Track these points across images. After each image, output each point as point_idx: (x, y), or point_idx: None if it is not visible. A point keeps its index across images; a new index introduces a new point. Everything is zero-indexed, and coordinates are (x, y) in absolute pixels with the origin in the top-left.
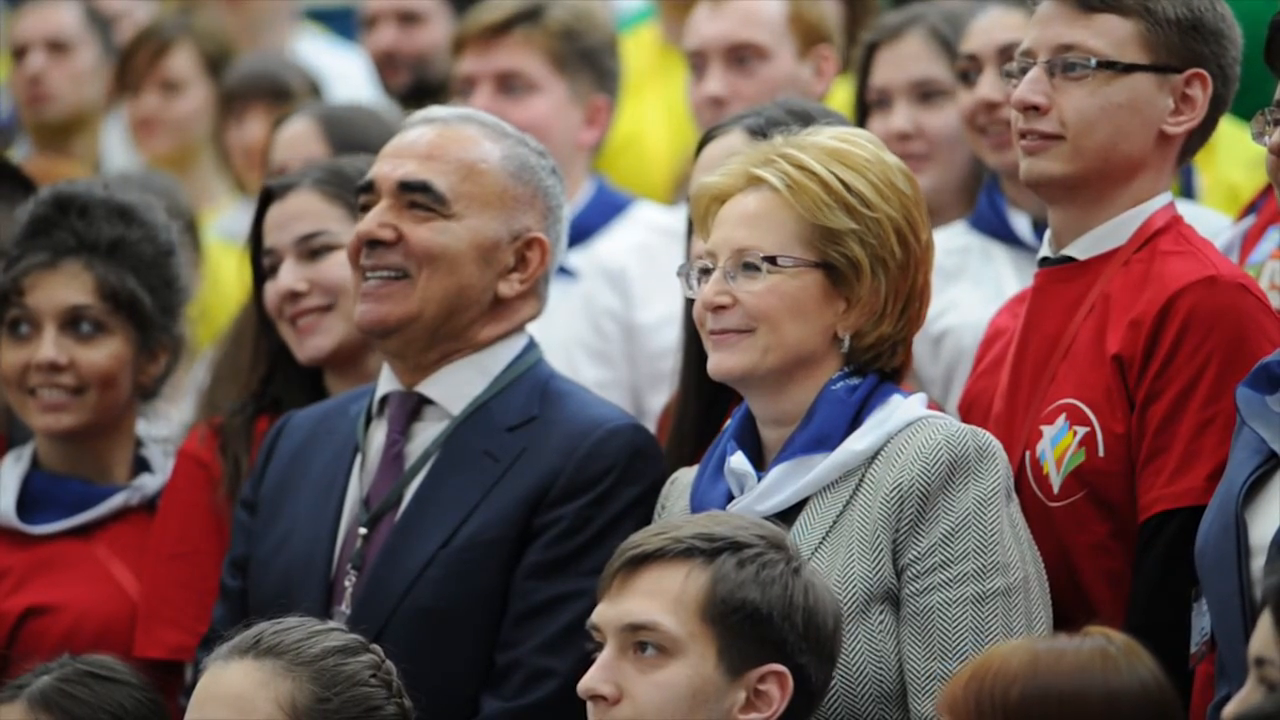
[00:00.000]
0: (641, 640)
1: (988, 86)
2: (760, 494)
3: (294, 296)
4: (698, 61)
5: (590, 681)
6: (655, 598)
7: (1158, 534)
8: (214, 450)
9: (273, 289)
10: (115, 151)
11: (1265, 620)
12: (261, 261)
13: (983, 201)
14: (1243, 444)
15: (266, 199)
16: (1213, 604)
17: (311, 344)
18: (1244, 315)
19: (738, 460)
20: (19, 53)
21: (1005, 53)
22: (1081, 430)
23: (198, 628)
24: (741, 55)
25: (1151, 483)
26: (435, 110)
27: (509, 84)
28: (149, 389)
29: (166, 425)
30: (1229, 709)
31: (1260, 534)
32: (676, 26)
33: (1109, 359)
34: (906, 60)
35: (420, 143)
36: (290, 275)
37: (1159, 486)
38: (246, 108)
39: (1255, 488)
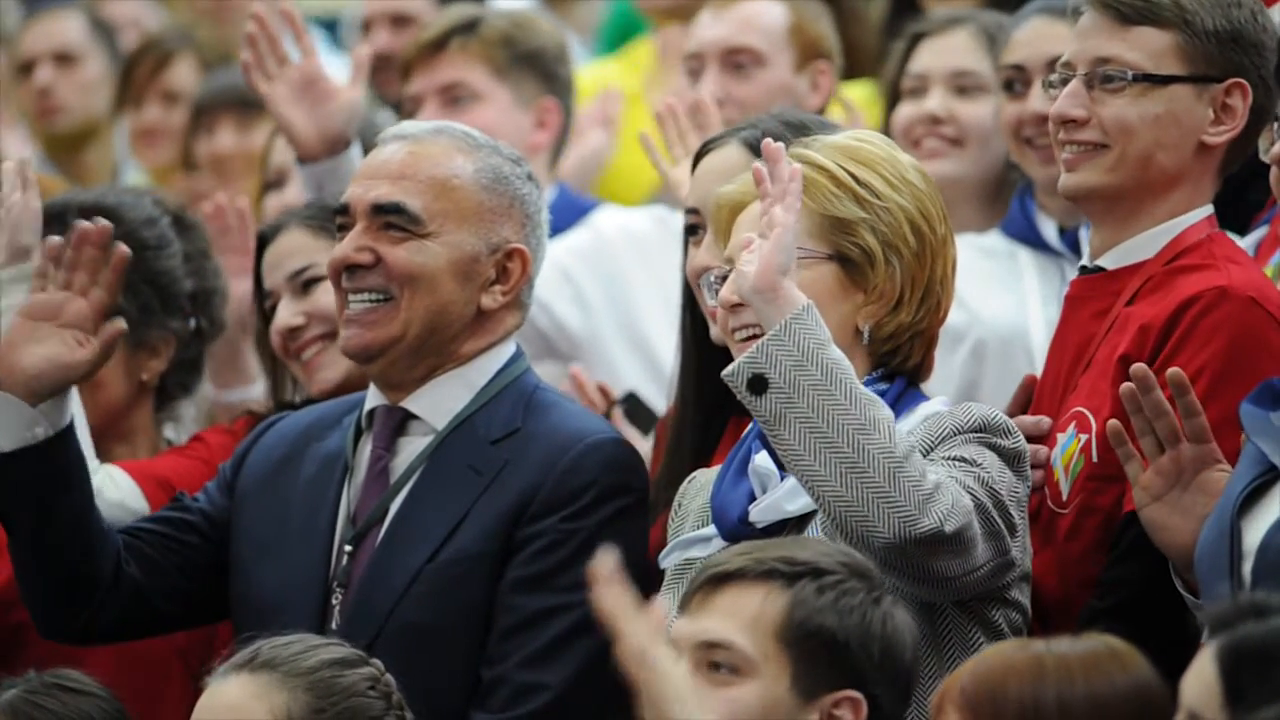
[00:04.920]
0: (716, 659)
1: (1039, 99)
2: (788, 493)
3: (294, 331)
4: (695, 65)
5: None
6: (732, 617)
7: (1127, 530)
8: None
9: (274, 329)
10: (129, 161)
11: (1209, 674)
12: (264, 306)
13: (1014, 207)
14: (1245, 456)
15: (261, 244)
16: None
17: (320, 378)
18: (1248, 328)
19: (762, 458)
20: (26, 67)
21: (1054, 65)
22: (1085, 437)
23: None
24: (738, 60)
25: None
26: (407, 125)
27: (453, 95)
28: (159, 386)
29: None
30: None
31: (1252, 540)
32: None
33: (1116, 360)
34: (951, 51)
35: (392, 162)
36: (287, 311)
37: None
38: (216, 119)
39: (1253, 497)
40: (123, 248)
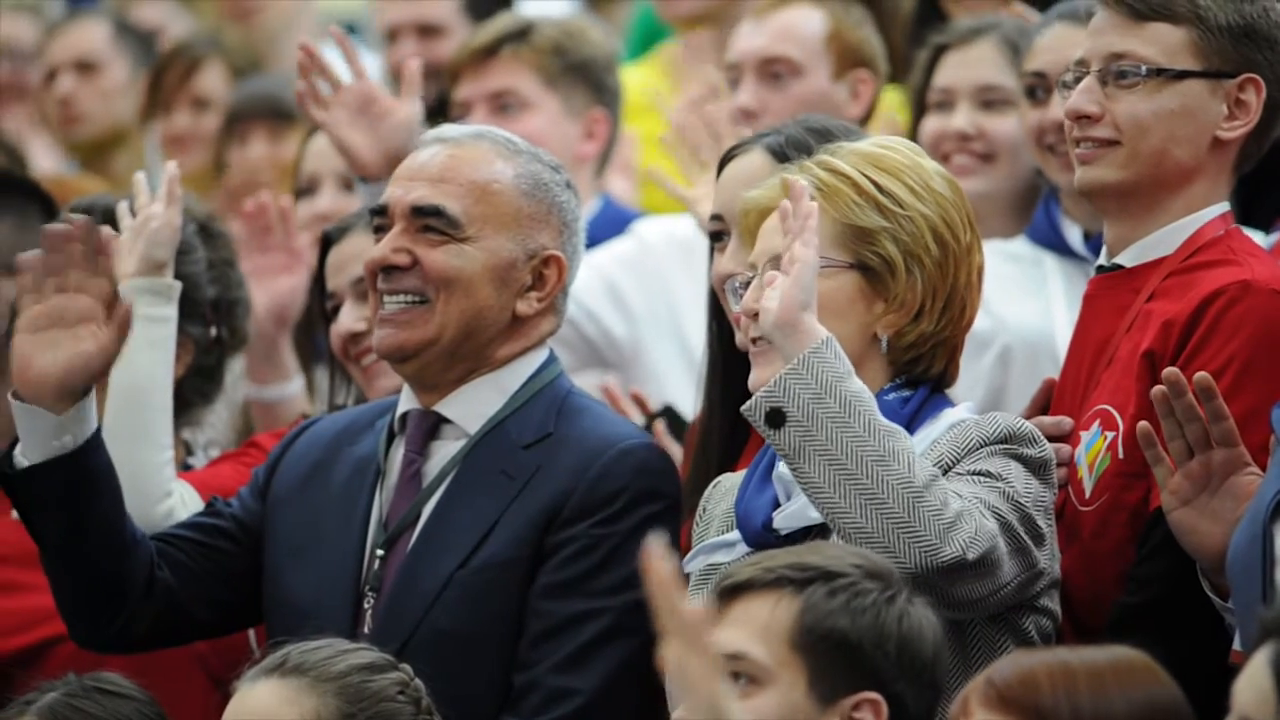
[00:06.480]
0: (733, 670)
1: (1060, 104)
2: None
3: (355, 337)
4: (733, 75)
5: None
6: (745, 627)
7: (1156, 525)
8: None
9: (335, 332)
10: (160, 167)
11: (1265, 681)
12: (325, 306)
13: (1039, 213)
14: (1275, 463)
15: (325, 244)
16: (1239, 612)
17: (380, 385)
18: (1273, 321)
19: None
20: (49, 76)
21: None
22: (1111, 435)
23: None
24: (775, 70)
25: None
26: (448, 129)
27: (502, 102)
28: (175, 392)
29: (212, 429)
30: None
31: None
32: (692, 47)
33: (1139, 357)
34: (975, 64)
35: (432, 164)
36: (350, 317)
37: None
38: (248, 129)
39: None
40: (107, 229)
